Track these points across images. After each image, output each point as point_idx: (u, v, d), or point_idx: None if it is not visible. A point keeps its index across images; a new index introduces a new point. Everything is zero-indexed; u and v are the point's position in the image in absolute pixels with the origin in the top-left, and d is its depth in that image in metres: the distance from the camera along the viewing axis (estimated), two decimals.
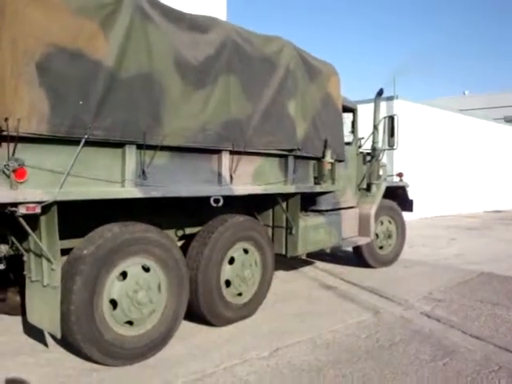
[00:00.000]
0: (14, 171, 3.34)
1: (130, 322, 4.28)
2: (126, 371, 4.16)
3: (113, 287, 4.16)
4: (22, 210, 3.40)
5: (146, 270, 4.41)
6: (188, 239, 5.40)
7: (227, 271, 5.29)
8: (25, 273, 4.14)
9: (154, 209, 4.94)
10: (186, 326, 5.09)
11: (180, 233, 5.60)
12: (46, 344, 4.56)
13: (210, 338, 4.97)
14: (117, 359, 4.18)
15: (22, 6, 3.32)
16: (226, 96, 4.85)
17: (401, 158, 17.65)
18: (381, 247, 8.69)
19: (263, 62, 5.37)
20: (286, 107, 5.65)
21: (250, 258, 5.56)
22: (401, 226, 9.14)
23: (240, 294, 5.47)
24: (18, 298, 5.32)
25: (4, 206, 3.37)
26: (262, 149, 5.39)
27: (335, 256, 8.80)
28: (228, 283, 5.31)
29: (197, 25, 4.63)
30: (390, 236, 8.85)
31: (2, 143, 3.30)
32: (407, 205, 9.49)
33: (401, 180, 9.66)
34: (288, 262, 8.06)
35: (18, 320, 5.26)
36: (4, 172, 3.31)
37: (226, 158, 4.96)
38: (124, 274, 4.26)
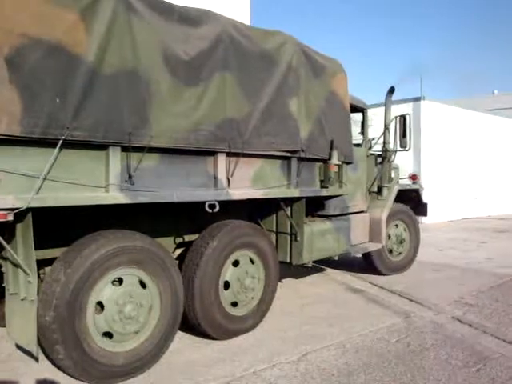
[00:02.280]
0: None
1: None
2: (155, 373, 4.15)
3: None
4: None
5: (143, 285, 4.15)
6: (188, 246, 5.08)
7: (227, 277, 4.98)
8: (3, 285, 3.86)
9: (149, 215, 4.64)
10: None
11: (178, 240, 5.29)
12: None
13: (236, 342, 4.94)
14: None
15: None
16: (221, 94, 4.52)
17: (428, 160, 17.27)
18: (391, 252, 8.29)
19: (263, 57, 5.03)
20: (287, 106, 5.30)
21: (253, 269, 5.23)
22: (414, 232, 8.73)
23: (236, 304, 5.12)
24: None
25: None
26: (261, 150, 5.05)
27: (361, 259, 8.49)
28: (228, 293, 4.99)
29: (188, 18, 4.30)
30: (402, 242, 8.44)
31: None
32: (421, 209, 9.09)
33: (414, 183, 9.25)
34: (315, 266, 7.93)
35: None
36: None
37: (221, 160, 4.63)
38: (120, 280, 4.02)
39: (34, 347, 3.50)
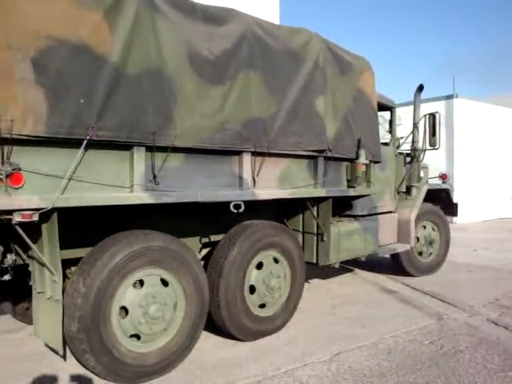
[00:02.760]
0: (8, 176, 3.08)
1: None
2: (188, 372, 4.17)
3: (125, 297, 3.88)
4: (17, 218, 3.12)
5: (165, 284, 4.13)
6: (213, 246, 5.04)
7: (252, 281, 4.93)
8: (31, 284, 3.90)
9: (174, 215, 4.61)
10: None
11: (204, 240, 5.25)
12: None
13: (268, 341, 4.95)
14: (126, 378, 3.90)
15: None
16: (246, 93, 4.47)
17: (462, 159, 16.92)
18: (421, 253, 8.12)
19: (288, 55, 4.96)
20: (314, 105, 5.22)
21: (278, 268, 5.17)
22: (444, 232, 8.53)
23: (264, 306, 5.08)
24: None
25: None
26: (288, 150, 4.98)
27: (389, 260, 8.42)
28: (252, 292, 4.95)
29: (211, 16, 4.26)
30: (431, 242, 8.26)
31: None
32: (451, 208, 8.90)
33: (444, 182, 9.06)
34: (344, 267, 7.94)
35: None
36: None
37: (247, 159, 4.58)
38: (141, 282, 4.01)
39: (60, 347, 3.52)
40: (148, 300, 3.98)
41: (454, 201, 8.94)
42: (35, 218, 3.19)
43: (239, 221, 5.00)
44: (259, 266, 5.01)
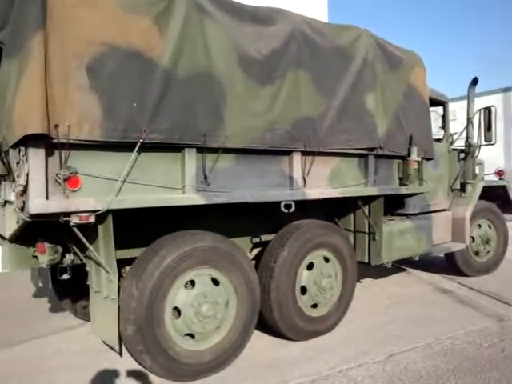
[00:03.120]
0: (66, 180, 3.19)
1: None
2: (244, 370, 4.23)
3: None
4: (75, 220, 3.24)
5: (215, 283, 4.18)
6: (264, 246, 5.06)
7: (304, 278, 4.91)
8: (88, 283, 4.03)
9: (224, 215, 4.65)
10: None
11: (255, 240, 5.28)
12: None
13: (321, 341, 4.93)
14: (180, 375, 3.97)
15: (69, 6, 3.15)
16: (295, 92, 4.45)
17: None
18: (477, 253, 7.88)
19: (337, 53, 4.91)
20: (364, 102, 5.14)
21: (329, 267, 5.13)
22: (502, 230, 8.23)
23: (316, 306, 5.05)
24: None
25: (57, 215, 3.23)
26: (338, 148, 4.93)
27: (444, 260, 8.25)
28: (304, 293, 4.93)
29: (259, 16, 4.28)
30: (488, 241, 7.99)
31: (52, 151, 3.15)
32: (509, 206, 8.57)
33: (501, 178, 8.73)
34: (398, 266, 7.86)
35: None
36: (56, 181, 3.16)
37: (297, 159, 4.56)
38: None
39: (116, 345, 3.63)
40: (200, 300, 4.03)
41: None
42: (92, 219, 3.29)
43: (290, 220, 4.99)
44: (310, 266, 4.98)
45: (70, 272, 4.20)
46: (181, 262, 3.90)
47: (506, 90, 16.41)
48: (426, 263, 8.46)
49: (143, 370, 4.00)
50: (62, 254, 4.04)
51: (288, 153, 4.52)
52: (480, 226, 7.93)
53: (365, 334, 5.08)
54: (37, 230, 3.74)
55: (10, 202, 3.57)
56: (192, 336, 4.04)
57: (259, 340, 4.86)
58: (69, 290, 5.31)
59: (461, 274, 7.75)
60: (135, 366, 4.05)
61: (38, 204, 3.08)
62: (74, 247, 3.99)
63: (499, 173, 8.82)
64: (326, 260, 5.14)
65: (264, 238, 5.24)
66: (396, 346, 4.76)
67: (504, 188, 8.46)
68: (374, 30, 5.35)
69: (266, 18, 4.33)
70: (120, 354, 3.95)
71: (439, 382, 3.95)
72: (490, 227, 8.08)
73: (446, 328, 5.26)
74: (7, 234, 3.78)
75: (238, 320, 4.30)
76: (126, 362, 4.21)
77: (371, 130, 5.23)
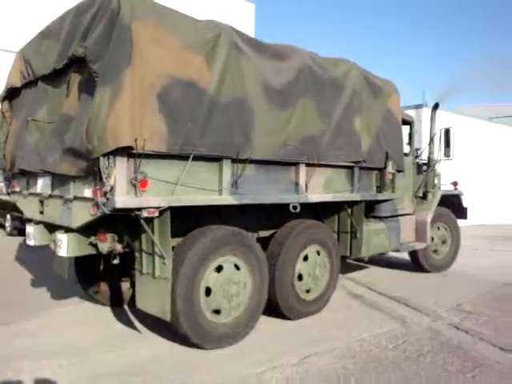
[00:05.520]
0: (139, 182, 4.11)
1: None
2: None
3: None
4: (144, 214, 4.16)
5: (236, 267, 5.14)
6: (266, 240, 6.06)
7: (300, 269, 5.95)
8: (136, 267, 4.90)
9: (238, 213, 5.63)
10: None
11: (260, 234, 6.22)
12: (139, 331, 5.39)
13: (236, 346, 5.10)
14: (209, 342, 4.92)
15: (148, 46, 4.09)
16: (303, 116, 5.52)
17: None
18: (435, 251, 9.17)
19: (333, 84, 6.02)
20: (352, 124, 6.28)
21: (320, 259, 6.20)
22: (456, 233, 9.57)
23: (309, 291, 6.11)
24: (108, 291, 6.28)
25: (131, 210, 4.14)
26: (332, 161, 6.02)
27: (359, 266, 9.30)
28: (300, 278, 5.96)
29: (278, 53, 5.35)
30: (444, 242, 9.31)
31: (130, 159, 4.06)
32: (462, 212, 9.92)
33: (455, 188, 10.06)
34: None
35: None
36: (132, 183, 4.08)
37: (302, 169, 5.62)
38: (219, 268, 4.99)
39: (167, 315, 4.53)
40: (227, 282, 5.00)
41: (464, 205, 9.96)
42: (156, 214, 4.23)
43: (286, 220, 6.02)
44: (305, 258, 6.03)
45: (118, 258, 5.07)
46: (213, 250, 4.86)
47: (417, 106, 18.11)
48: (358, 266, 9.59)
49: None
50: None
51: (295, 164, 5.57)
52: (438, 228, 9.24)
53: (280, 338, 5.35)
54: (99, 222, 4.61)
55: (81, 198, 4.45)
56: (218, 312, 4.99)
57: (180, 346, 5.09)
58: (92, 278, 6.18)
59: (422, 269, 9.04)
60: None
61: (122, 200, 4.00)
62: (128, 238, 4.86)
63: (454, 183, 10.14)
64: (318, 253, 6.21)
65: (267, 233, 6.25)
66: (311, 348, 5.01)
67: (457, 196, 9.82)
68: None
69: (282, 55, 5.40)
70: (169, 320, 4.66)
71: (345, 383, 4.25)
72: (446, 230, 9.40)
73: (355, 331, 5.59)
74: (75, 224, 4.62)
75: (253, 298, 5.26)
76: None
77: (357, 146, 6.37)
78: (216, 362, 4.67)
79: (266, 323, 5.74)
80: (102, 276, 6.02)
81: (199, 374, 4.39)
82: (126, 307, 6.30)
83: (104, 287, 6.25)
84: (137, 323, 5.67)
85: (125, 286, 6.26)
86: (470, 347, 5.16)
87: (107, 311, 6.17)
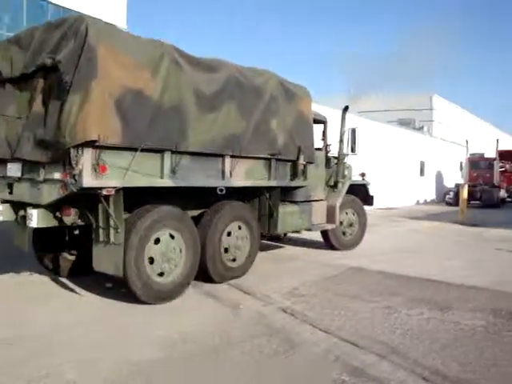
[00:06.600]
0: (100, 167, 5.32)
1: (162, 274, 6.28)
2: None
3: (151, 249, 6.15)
4: (104, 192, 5.39)
5: (172, 237, 6.39)
6: (198, 217, 7.34)
7: (226, 241, 7.34)
8: (93, 237, 6.07)
9: (176, 195, 6.86)
10: None
11: (194, 213, 7.43)
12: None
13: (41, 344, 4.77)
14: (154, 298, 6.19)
15: (108, 63, 5.31)
16: (228, 117, 6.87)
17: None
18: (344, 233, 10.82)
19: (254, 91, 7.41)
20: (270, 124, 7.71)
21: (242, 233, 7.62)
22: (363, 217, 11.26)
23: (234, 260, 7.51)
24: (65, 263, 7.34)
25: (93, 189, 5.36)
26: (252, 154, 7.42)
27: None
28: (226, 250, 7.35)
29: (210, 67, 6.68)
30: (352, 224, 10.97)
31: (93, 150, 5.26)
32: (368, 199, 11.68)
33: (363, 179, 11.71)
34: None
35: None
36: (94, 168, 5.30)
37: (227, 160, 6.98)
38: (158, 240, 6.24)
39: (120, 272, 5.76)
40: (166, 249, 6.27)
41: (370, 193, 11.69)
42: (113, 192, 5.48)
43: (216, 201, 7.35)
44: (229, 233, 7.41)
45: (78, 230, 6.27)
46: (157, 222, 6.14)
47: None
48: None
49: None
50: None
51: (222, 156, 6.93)
52: (347, 213, 10.87)
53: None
54: (63, 200, 5.76)
55: (51, 180, 5.59)
56: (162, 274, 6.25)
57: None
58: (47, 250, 7.30)
59: (333, 247, 10.65)
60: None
61: (87, 181, 5.22)
62: (88, 213, 6.00)
63: (362, 174, 11.80)
64: (239, 228, 7.60)
65: (199, 212, 7.51)
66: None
67: (365, 186, 11.54)
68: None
69: (213, 67, 6.72)
70: (124, 277, 5.86)
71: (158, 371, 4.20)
72: (353, 214, 11.05)
73: (191, 319, 5.65)
74: (45, 201, 5.71)
75: (187, 262, 6.55)
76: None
77: (274, 142, 7.81)
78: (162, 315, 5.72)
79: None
80: (56, 248, 7.18)
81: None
82: None
83: (62, 259, 7.34)
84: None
85: (66, 257, 7.35)
86: (292, 330, 5.31)
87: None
